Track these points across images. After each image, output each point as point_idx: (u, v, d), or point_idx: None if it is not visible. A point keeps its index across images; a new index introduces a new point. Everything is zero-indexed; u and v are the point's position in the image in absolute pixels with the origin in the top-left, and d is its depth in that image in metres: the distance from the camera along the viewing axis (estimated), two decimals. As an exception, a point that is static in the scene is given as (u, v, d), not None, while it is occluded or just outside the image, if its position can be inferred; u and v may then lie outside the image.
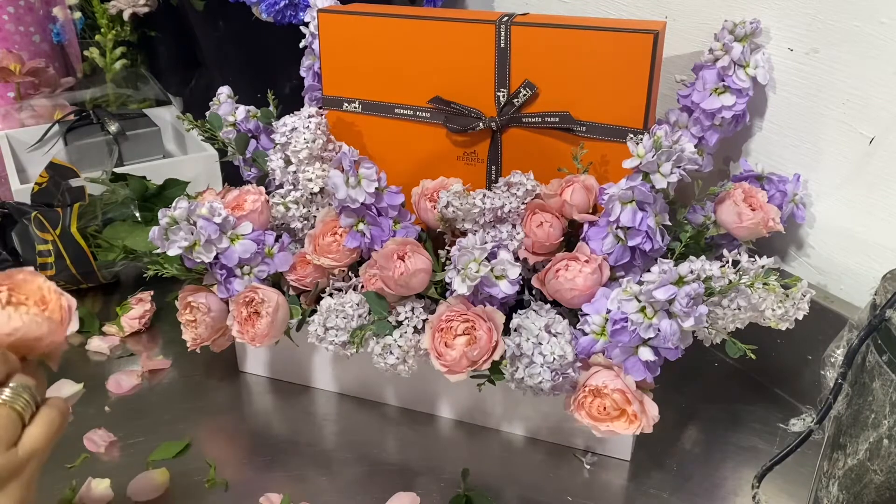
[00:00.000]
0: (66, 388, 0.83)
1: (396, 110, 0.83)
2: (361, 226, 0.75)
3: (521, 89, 0.76)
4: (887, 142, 0.74)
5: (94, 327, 0.94)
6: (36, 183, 1.04)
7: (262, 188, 0.81)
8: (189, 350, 0.80)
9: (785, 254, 0.86)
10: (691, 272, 0.63)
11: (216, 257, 0.75)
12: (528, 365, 0.65)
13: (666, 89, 0.88)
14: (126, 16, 1.25)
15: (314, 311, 0.75)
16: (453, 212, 0.72)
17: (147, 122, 1.21)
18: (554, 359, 0.65)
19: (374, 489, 0.71)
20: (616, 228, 0.68)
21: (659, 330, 0.63)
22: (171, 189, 1.04)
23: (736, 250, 0.70)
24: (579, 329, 0.69)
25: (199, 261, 0.74)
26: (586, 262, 0.69)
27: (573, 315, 0.72)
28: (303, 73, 0.92)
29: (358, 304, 0.73)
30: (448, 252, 0.72)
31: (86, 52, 1.31)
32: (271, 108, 0.92)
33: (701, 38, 0.86)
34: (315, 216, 0.81)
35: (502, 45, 0.76)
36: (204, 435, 0.78)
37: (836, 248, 0.81)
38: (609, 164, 0.76)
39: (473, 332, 0.69)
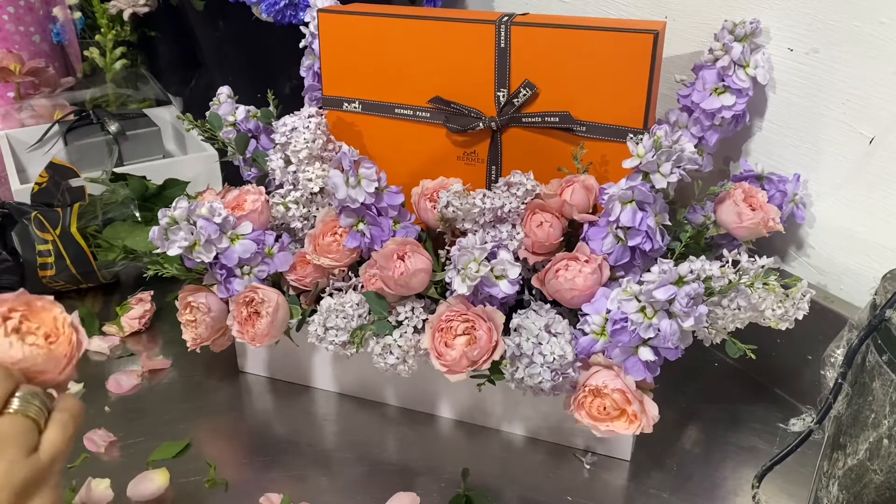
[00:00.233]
0: None
1: (396, 110, 0.83)
2: (361, 226, 0.75)
3: (521, 89, 0.76)
4: (887, 142, 0.74)
5: (94, 327, 0.94)
6: (36, 183, 1.04)
7: (262, 188, 0.81)
8: (189, 350, 0.80)
9: (785, 254, 0.86)
10: (691, 272, 0.63)
11: (216, 257, 0.75)
12: (528, 365, 0.65)
13: (666, 89, 0.88)
14: (126, 16, 1.25)
15: (314, 311, 0.75)
16: (453, 212, 0.72)
17: (147, 122, 1.21)
18: (554, 359, 0.65)
19: (374, 489, 0.71)
20: (616, 228, 0.68)
21: (659, 330, 0.63)
22: (171, 189, 1.04)
23: (736, 250, 0.70)
24: (579, 329, 0.69)
25: (199, 261, 0.74)
26: (586, 262, 0.69)
27: (573, 315, 0.72)
28: (303, 73, 0.92)
29: (358, 304, 0.73)
30: (448, 252, 0.72)
31: (86, 52, 1.31)
32: (271, 108, 0.92)
33: (701, 38, 0.86)
34: (315, 216, 0.81)
35: (502, 45, 0.76)
36: (204, 435, 0.78)
37: (836, 248, 0.81)
38: (609, 164, 0.76)
39: (473, 332, 0.69)
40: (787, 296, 0.69)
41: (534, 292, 0.75)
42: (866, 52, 0.73)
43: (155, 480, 0.70)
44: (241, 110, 0.90)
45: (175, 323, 0.81)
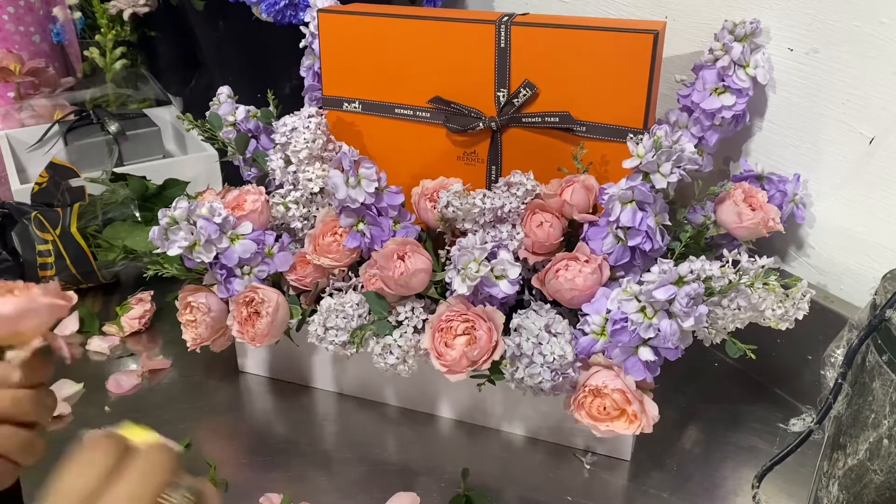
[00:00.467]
0: (66, 388, 0.83)
1: (396, 110, 0.83)
2: (361, 226, 0.75)
3: (521, 89, 0.76)
4: (887, 142, 0.74)
5: (94, 327, 0.94)
6: (36, 183, 1.04)
7: (262, 188, 0.81)
8: (189, 350, 0.80)
9: (785, 254, 0.86)
10: (691, 272, 0.63)
11: (216, 257, 0.75)
12: (528, 365, 0.65)
13: (666, 89, 0.88)
14: (126, 16, 1.25)
15: (314, 311, 0.75)
16: (453, 212, 0.72)
17: (147, 122, 1.21)
18: (554, 359, 0.65)
19: (374, 489, 0.71)
20: (616, 228, 0.68)
21: (659, 330, 0.63)
22: (171, 189, 1.04)
23: (736, 250, 0.70)
24: (579, 329, 0.69)
25: (199, 261, 0.74)
26: (586, 262, 0.69)
27: (573, 315, 0.72)
28: (303, 73, 0.92)
29: (358, 304, 0.73)
30: (448, 252, 0.72)
31: (86, 52, 1.31)
32: (271, 108, 0.92)
33: (701, 38, 0.86)
34: (315, 216, 0.80)
35: (502, 45, 0.76)
36: (204, 435, 0.78)
37: (836, 248, 0.81)
38: (609, 164, 0.76)
39: (473, 332, 0.69)
40: (787, 296, 0.69)
41: (534, 292, 0.74)
42: (866, 52, 0.73)
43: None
44: (241, 110, 0.90)
45: (175, 323, 0.81)
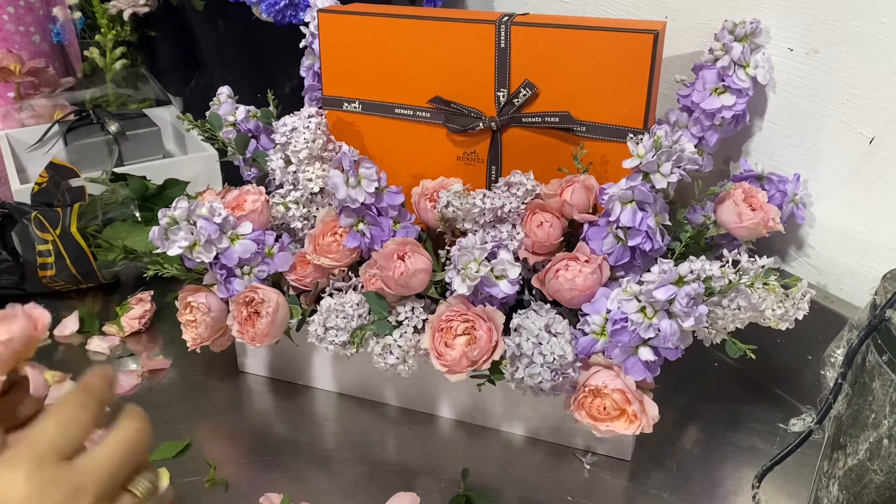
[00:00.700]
0: (66, 388, 0.83)
1: (396, 110, 0.83)
2: (361, 226, 0.75)
3: (521, 89, 0.76)
4: (887, 142, 0.74)
5: (94, 327, 0.94)
6: (36, 183, 1.04)
7: (262, 188, 0.81)
8: (189, 350, 0.80)
9: (785, 254, 0.86)
10: (691, 272, 0.63)
11: (216, 257, 0.75)
12: (528, 365, 0.65)
13: (666, 89, 0.88)
14: (126, 16, 1.25)
15: (314, 311, 0.75)
16: (453, 212, 0.72)
17: (147, 122, 1.21)
18: (554, 359, 0.65)
19: (374, 489, 0.71)
20: (616, 228, 0.68)
21: (659, 330, 0.63)
22: (171, 189, 1.04)
23: (736, 250, 0.70)
24: (579, 329, 0.69)
25: (199, 261, 0.74)
26: (586, 262, 0.69)
27: (573, 315, 0.72)
28: (303, 73, 0.92)
29: (358, 304, 0.73)
30: (448, 252, 0.72)
31: (86, 52, 1.31)
32: (271, 108, 0.92)
33: (701, 38, 0.86)
34: (315, 216, 0.81)
35: (502, 45, 0.76)
36: (204, 435, 0.78)
37: (836, 248, 0.81)
38: (609, 164, 0.76)
39: (473, 332, 0.69)
40: (787, 296, 0.69)
41: (534, 292, 0.74)
42: (866, 52, 0.73)
43: (155, 480, 0.70)
44: (241, 110, 0.90)
45: (175, 323, 0.81)
